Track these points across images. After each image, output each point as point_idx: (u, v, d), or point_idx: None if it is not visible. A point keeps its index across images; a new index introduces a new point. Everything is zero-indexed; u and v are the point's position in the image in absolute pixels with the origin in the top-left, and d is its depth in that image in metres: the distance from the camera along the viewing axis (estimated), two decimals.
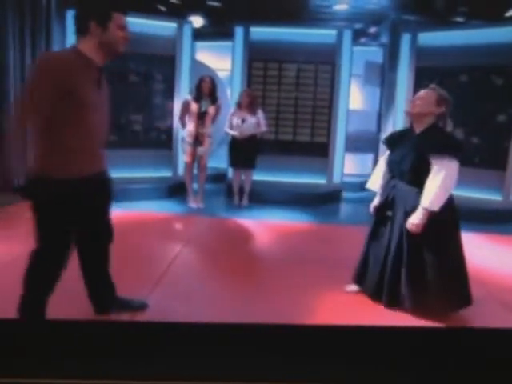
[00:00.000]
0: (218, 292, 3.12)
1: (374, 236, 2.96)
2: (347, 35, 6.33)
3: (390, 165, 2.90)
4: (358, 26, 7.17)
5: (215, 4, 7.27)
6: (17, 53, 5.15)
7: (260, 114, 5.77)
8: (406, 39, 6.21)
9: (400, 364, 1.38)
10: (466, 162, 2.96)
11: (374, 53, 7.49)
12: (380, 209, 2.93)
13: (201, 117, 5.41)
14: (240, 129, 5.67)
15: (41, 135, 2.02)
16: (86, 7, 2.08)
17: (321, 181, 6.62)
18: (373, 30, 7.98)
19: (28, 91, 1.99)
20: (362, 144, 7.48)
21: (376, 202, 3.00)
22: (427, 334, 1.61)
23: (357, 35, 6.88)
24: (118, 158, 5.88)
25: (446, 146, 2.62)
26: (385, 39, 7.50)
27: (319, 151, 6.57)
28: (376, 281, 2.90)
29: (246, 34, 6.36)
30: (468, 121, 5.63)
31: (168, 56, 6.22)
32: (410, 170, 2.70)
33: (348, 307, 2.93)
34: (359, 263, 3.05)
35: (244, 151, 5.76)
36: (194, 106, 5.40)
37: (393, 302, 2.81)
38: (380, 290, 2.88)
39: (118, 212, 4.68)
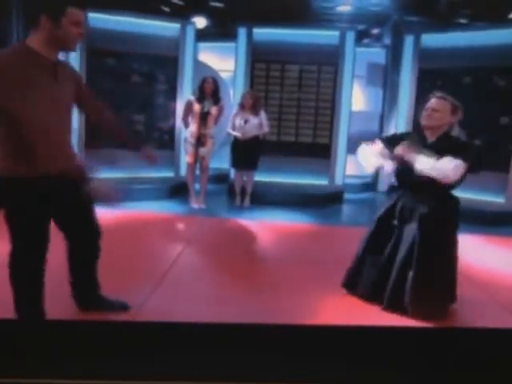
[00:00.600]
0: (220, 292, 3.11)
1: (373, 244, 2.92)
2: (350, 36, 6.33)
3: (400, 174, 2.87)
4: (360, 27, 7.16)
5: (218, 5, 7.28)
6: None
7: (262, 114, 5.77)
8: (408, 41, 6.21)
9: (400, 364, 1.38)
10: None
11: (377, 54, 7.48)
12: (384, 218, 2.90)
13: (203, 117, 5.42)
14: (243, 130, 5.67)
15: None
16: (39, 0, 1.96)
17: (323, 182, 6.62)
18: (375, 31, 7.97)
19: None
20: None
21: (381, 211, 2.95)
22: (427, 334, 1.61)
23: (359, 36, 6.87)
24: (120, 157, 5.89)
25: (462, 151, 2.60)
26: (387, 40, 7.48)
27: (321, 152, 6.56)
28: (373, 288, 2.90)
29: (249, 34, 6.36)
30: (471, 123, 5.60)
31: (171, 56, 6.23)
32: (424, 179, 2.65)
33: (348, 308, 2.93)
34: (352, 269, 3.02)
35: (246, 152, 5.75)
36: (196, 107, 5.40)
37: (393, 306, 2.79)
38: (376, 296, 2.88)
39: (120, 212, 4.71)
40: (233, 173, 6.25)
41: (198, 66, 6.73)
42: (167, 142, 6.40)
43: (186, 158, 5.80)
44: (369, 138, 3.27)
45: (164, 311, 2.72)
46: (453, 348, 1.45)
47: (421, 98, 2.86)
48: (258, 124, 5.71)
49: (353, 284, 3.02)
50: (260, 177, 6.09)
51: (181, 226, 5.02)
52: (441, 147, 2.62)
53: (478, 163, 2.65)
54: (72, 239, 2.39)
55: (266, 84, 6.53)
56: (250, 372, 1.38)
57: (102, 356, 1.31)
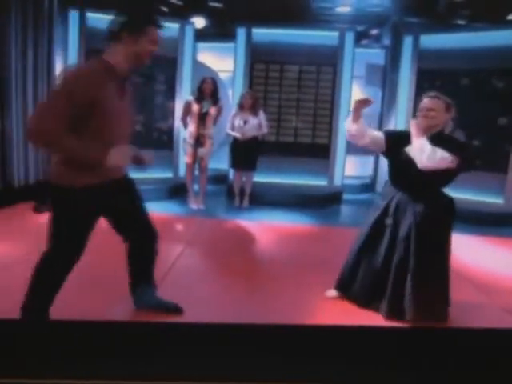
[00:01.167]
0: (219, 293, 3.11)
1: (368, 245, 2.90)
2: (349, 37, 6.34)
3: (394, 173, 2.86)
4: (359, 27, 7.16)
5: (217, 5, 7.27)
6: (18, 52, 5.16)
7: (262, 115, 5.77)
8: (407, 41, 6.22)
9: (400, 364, 1.38)
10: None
11: (376, 55, 7.49)
12: (378, 218, 2.87)
13: (202, 118, 5.42)
14: (242, 130, 5.67)
15: None
16: (122, 17, 2.12)
17: (322, 182, 6.62)
18: (375, 32, 7.97)
19: (52, 105, 1.97)
20: None
21: (377, 213, 2.91)
22: (427, 334, 1.61)
23: (359, 37, 6.88)
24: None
25: (457, 148, 2.60)
26: (387, 41, 7.49)
27: (320, 153, 6.57)
28: (369, 290, 2.87)
29: (248, 35, 6.36)
30: (469, 123, 5.62)
31: (170, 57, 6.22)
32: (419, 178, 2.65)
33: (347, 308, 2.93)
34: (345, 270, 2.99)
35: (245, 152, 5.76)
36: (195, 107, 5.41)
37: (393, 314, 2.74)
38: (373, 299, 2.85)
39: None
40: (232, 173, 6.25)
41: (197, 66, 6.74)
42: (166, 142, 6.39)
43: (184, 159, 5.80)
44: None
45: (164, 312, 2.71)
46: (453, 348, 1.45)
47: (419, 99, 2.84)
48: (257, 124, 5.71)
49: (345, 286, 3.00)
50: (259, 177, 6.09)
51: (180, 226, 5.02)
52: (435, 145, 2.62)
53: (470, 161, 2.65)
54: (131, 241, 2.51)
55: (265, 84, 6.53)
56: (249, 372, 1.38)
57: (102, 356, 1.31)
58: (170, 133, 6.41)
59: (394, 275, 2.75)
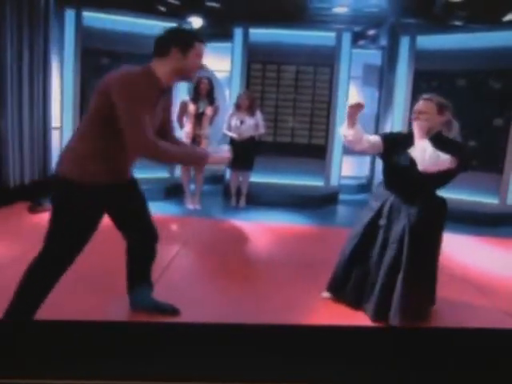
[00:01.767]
0: (215, 293, 3.11)
1: (360, 246, 2.89)
2: (346, 38, 6.35)
3: (389, 175, 2.86)
4: (356, 28, 7.18)
5: (214, 5, 7.26)
6: (14, 51, 5.13)
7: (259, 115, 5.77)
8: (404, 42, 6.23)
9: (400, 364, 1.38)
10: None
11: (373, 55, 7.51)
12: (372, 220, 2.86)
13: (198, 118, 5.41)
14: (238, 130, 5.66)
15: (83, 140, 2.11)
16: (172, 32, 2.18)
17: (318, 183, 6.62)
18: (372, 32, 7.99)
19: (135, 116, 1.99)
20: None
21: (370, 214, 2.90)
22: (427, 334, 1.61)
23: (356, 38, 6.89)
24: None
25: (455, 149, 2.60)
26: (384, 42, 7.51)
27: (317, 153, 6.57)
28: (361, 292, 2.87)
29: (245, 35, 6.36)
30: (465, 124, 5.63)
31: None
32: (416, 179, 2.66)
33: (343, 310, 2.93)
34: (338, 272, 2.99)
35: (242, 153, 5.74)
36: (191, 107, 5.40)
37: (379, 316, 2.74)
38: (363, 301, 2.86)
39: None
40: (228, 173, 6.25)
41: None
42: None
43: None
44: None
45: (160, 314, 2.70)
46: (453, 348, 1.45)
47: (415, 100, 2.83)
48: (253, 125, 5.71)
49: (338, 288, 3.00)
50: (255, 177, 6.09)
51: (176, 226, 5.01)
52: (433, 146, 2.61)
53: (468, 162, 2.66)
54: (133, 240, 2.54)
55: (262, 85, 6.53)
56: (249, 372, 1.38)
57: (102, 356, 1.30)
58: None
59: (384, 276, 2.74)
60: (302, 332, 1.60)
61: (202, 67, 2.25)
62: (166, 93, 2.27)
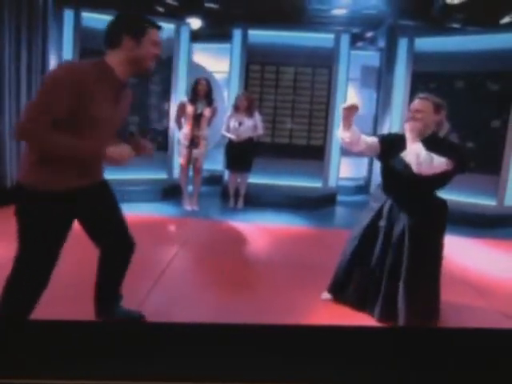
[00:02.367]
0: (214, 295, 3.11)
1: (361, 247, 2.89)
2: (345, 39, 6.36)
3: (387, 177, 2.86)
4: (355, 30, 7.21)
5: (213, 6, 7.27)
6: (12, 51, 5.12)
7: (257, 116, 5.78)
8: (402, 44, 6.25)
9: (400, 364, 1.38)
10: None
11: (371, 57, 7.53)
12: (372, 221, 2.87)
13: (196, 119, 5.41)
14: (237, 132, 5.67)
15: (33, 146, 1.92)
16: (121, 20, 1.99)
17: (316, 184, 6.63)
18: (370, 34, 8.02)
19: (40, 101, 1.83)
20: None
21: (370, 215, 2.91)
22: (427, 334, 1.61)
23: (354, 39, 6.92)
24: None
25: (451, 152, 2.60)
26: (382, 44, 7.54)
27: (315, 154, 6.58)
28: (362, 293, 2.87)
29: (244, 36, 6.37)
30: (463, 126, 5.67)
31: (165, 57, 6.22)
32: (413, 182, 2.66)
33: (342, 311, 2.93)
34: (339, 273, 2.99)
35: (240, 154, 5.76)
36: (189, 108, 5.39)
37: (385, 317, 2.76)
38: (366, 302, 2.85)
39: None
40: (227, 174, 6.25)
41: (193, 67, 6.73)
42: (160, 143, 6.37)
43: (179, 160, 5.79)
44: None
45: (159, 313, 2.71)
46: (453, 348, 1.46)
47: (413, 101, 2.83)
48: (252, 126, 5.71)
49: (339, 289, 3.00)
50: (254, 179, 6.09)
51: (174, 228, 5.00)
52: (427, 148, 2.61)
53: (464, 164, 2.66)
54: (106, 250, 2.33)
55: (261, 86, 6.54)
56: (249, 372, 1.38)
57: (102, 356, 1.30)
58: (164, 134, 6.39)
59: (387, 277, 2.75)
60: (302, 332, 1.60)
61: (159, 55, 2.04)
62: (125, 88, 2.08)
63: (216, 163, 6.85)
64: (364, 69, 7.39)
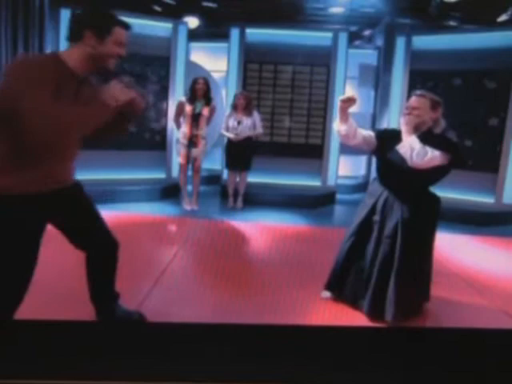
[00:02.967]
0: (214, 294, 3.10)
1: (356, 242, 2.90)
2: (343, 38, 6.36)
3: (383, 171, 2.87)
4: (353, 28, 7.21)
5: (211, 5, 7.26)
6: (9, 52, 5.11)
7: (256, 115, 5.77)
8: (400, 42, 6.25)
9: (400, 364, 1.38)
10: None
11: (369, 55, 7.52)
12: (366, 216, 2.87)
13: (195, 118, 5.40)
14: (236, 131, 5.66)
15: None
16: (85, 13, 1.88)
17: (315, 183, 6.63)
18: (367, 32, 8.02)
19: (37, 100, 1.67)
20: None
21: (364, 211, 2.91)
22: (427, 334, 1.61)
23: (352, 38, 6.91)
24: (112, 159, 5.86)
25: (446, 146, 2.61)
26: (380, 42, 7.53)
27: (314, 153, 6.58)
28: (357, 289, 2.87)
29: (242, 35, 6.36)
30: (461, 124, 5.67)
31: (162, 57, 6.21)
32: (408, 176, 2.66)
33: (342, 309, 2.93)
34: (336, 269, 2.99)
35: (239, 153, 5.75)
36: (188, 108, 5.38)
37: (374, 312, 2.75)
38: (359, 297, 2.86)
39: (111, 214, 4.67)
40: (226, 174, 6.24)
41: (190, 66, 6.72)
42: (159, 142, 6.37)
43: (178, 159, 5.78)
44: None
45: (159, 314, 2.70)
46: (453, 348, 1.46)
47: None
48: (250, 125, 5.70)
49: (336, 286, 3.00)
50: (253, 178, 6.09)
51: (173, 227, 5.00)
52: (422, 142, 2.60)
53: (459, 159, 2.67)
54: (90, 253, 2.25)
55: (259, 85, 6.53)
56: (249, 372, 1.38)
57: (102, 356, 1.30)
58: (162, 133, 6.38)
59: (377, 272, 2.76)
60: (302, 332, 1.61)
61: (122, 56, 1.91)
62: (84, 83, 1.93)
63: (215, 162, 6.85)
64: (362, 67, 7.39)
